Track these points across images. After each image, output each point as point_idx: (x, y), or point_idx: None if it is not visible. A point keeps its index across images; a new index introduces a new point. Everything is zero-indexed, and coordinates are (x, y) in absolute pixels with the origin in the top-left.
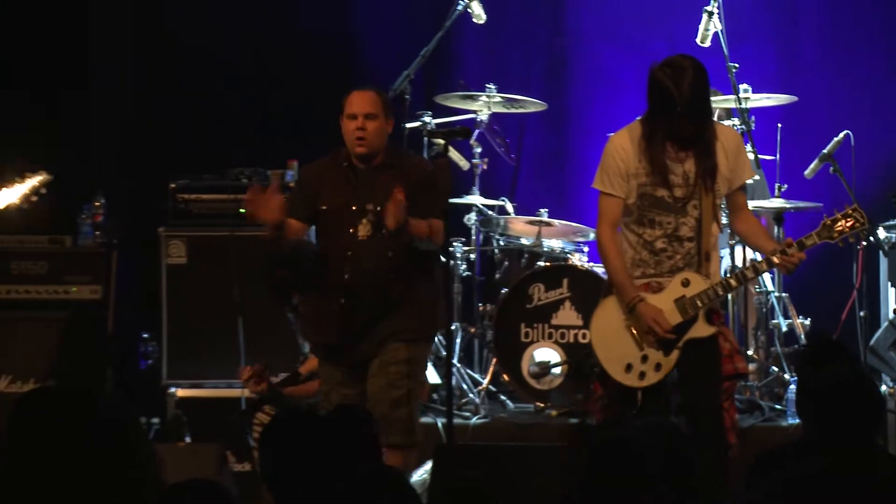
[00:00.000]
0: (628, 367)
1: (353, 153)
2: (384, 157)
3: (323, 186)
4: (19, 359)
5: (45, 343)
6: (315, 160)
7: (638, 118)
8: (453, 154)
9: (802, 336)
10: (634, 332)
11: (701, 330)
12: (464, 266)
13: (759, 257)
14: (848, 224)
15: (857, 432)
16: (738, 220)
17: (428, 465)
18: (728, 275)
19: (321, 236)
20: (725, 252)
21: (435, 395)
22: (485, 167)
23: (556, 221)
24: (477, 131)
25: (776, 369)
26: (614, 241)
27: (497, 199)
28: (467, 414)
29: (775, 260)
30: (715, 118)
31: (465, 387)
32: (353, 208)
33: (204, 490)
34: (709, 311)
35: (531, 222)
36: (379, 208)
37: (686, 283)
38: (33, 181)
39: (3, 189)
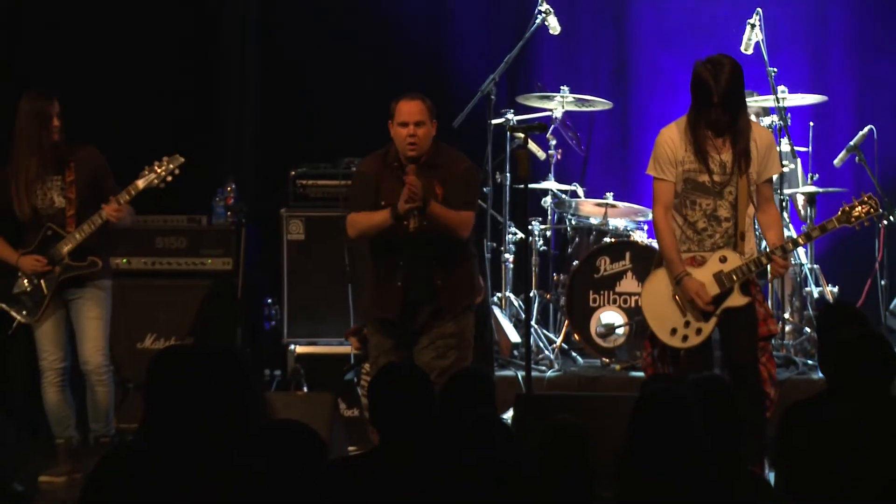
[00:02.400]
0: (673, 331)
1: (405, 155)
2: (428, 157)
3: (380, 182)
4: (161, 320)
5: (184, 307)
6: (369, 154)
7: (685, 114)
8: (532, 146)
9: (831, 301)
10: (679, 300)
11: (736, 300)
12: (541, 242)
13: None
14: (864, 210)
15: (872, 385)
16: (760, 210)
17: (510, 413)
18: (760, 253)
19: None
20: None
21: (515, 352)
22: (559, 157)
23: (620, 204)
24: (552, 126)
25: (808, 330)
26: (667, 221)
27: (569, 184)
28: (543, 368)
29: (764, 260)
30: (755, 116)
31: (541, 345)
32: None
33: (297, 428)
34: (745, 283)
35: (598, 204)
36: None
37: (723, 260)
38: (170, 164)
39: (146, 171)
